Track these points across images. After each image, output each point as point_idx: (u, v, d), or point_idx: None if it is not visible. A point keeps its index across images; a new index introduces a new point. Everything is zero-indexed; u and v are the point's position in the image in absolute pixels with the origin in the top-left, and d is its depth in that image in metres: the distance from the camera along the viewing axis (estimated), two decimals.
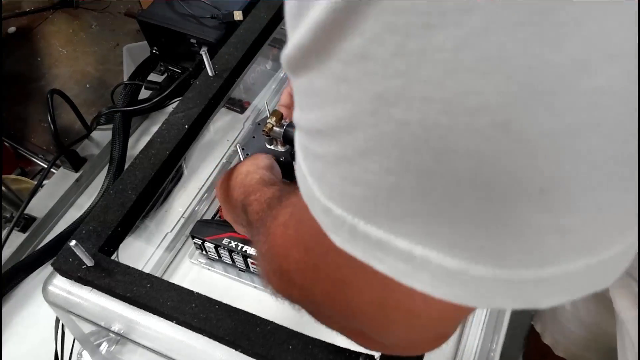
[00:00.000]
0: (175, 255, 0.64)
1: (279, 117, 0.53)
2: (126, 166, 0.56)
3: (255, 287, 0.60)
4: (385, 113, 0.15)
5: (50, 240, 0.65)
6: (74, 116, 0.78)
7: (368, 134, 0.16)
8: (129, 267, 0.43)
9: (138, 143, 0.78)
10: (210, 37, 0.70)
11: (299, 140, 0.20)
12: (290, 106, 0.56)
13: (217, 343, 0.39)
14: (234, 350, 0.39)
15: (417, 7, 0.13)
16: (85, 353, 0.56)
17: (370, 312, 0.21)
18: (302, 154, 0.20)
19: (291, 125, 0.53)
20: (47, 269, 0.62)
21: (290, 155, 0.54)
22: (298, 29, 0.16)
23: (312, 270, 0.22)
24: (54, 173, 0.76)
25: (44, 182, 0.73)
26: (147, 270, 0.61)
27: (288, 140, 0.53)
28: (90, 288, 0.43)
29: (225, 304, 0.40)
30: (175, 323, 0.40)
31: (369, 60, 0.15)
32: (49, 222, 0.71)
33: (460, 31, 0.13)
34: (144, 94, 0.78)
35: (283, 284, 0.26)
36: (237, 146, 0.55)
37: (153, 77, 0.79)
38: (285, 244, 0.24)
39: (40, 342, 0.58)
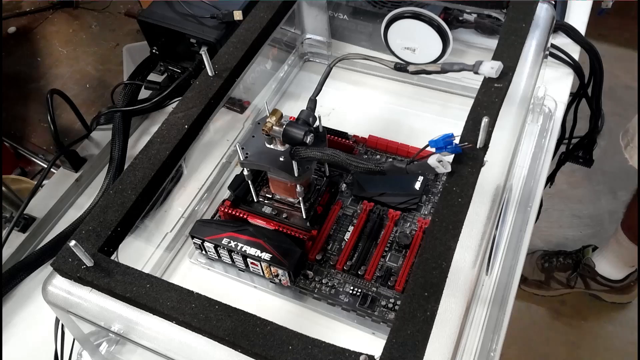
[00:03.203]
0: (175, 255, 0.64)
1: (279, 117, 0.53)
2: (126, 166, 0.56)
3: (255, 287, 0.60)
4: None
5: (50, 240, 0.65)
6: (74, 116, 0.78)
7: None
8: (128, 267, 0.43)
9: (138, 143, 0.78)
10: (210, 37, 0.70)
11: None
12: None
13: (217, 343, 0.39)
14: (233, 350, 0.39)
15: None
16: (85, 353, 0.55)
17: None
18: None
19: (291, 124, 0.53)
20: (47, 269, 0.62)
21: (290, 154, 0.54)
22: None
23: None
24: (54, 173, 0.76)
25: (44, 182, 0.73)
26: (146, 270, 0.61)
27: (287, 139, 0.53)
28: (89, 288, 0.43)
29: (225, 304, 0.40)
30: (175, 323, 0.40)
31: None
32: (48, 222, 0.71)
33: None
34: (144, 94, 0.78)
35: None
36: (237, 146, 0.55)
37: (153, 77, 0.79)
38: None
39: (40, 342, 0.58)
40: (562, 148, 0.91)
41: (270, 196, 0.62)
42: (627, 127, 1.00)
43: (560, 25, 0.76)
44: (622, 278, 1.27)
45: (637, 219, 1.11)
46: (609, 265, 1.26)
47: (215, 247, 0.59)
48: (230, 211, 0.61)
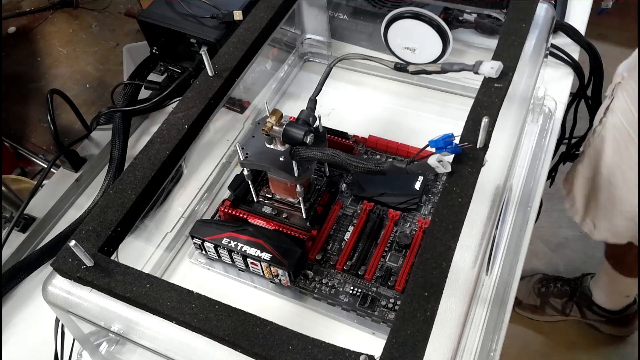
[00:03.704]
0: (175, 255, 0.64)
1: (279, 117, 0.53)
2: (126, 166, 0.56)
3: (255, 287, 0.60)
4: None
5: (50, 240, 0.65)
6: (74, 116, 0.78)
7: None
8: (128, 267, 0.43)
9: (138, 143, 0.78)
10: (210, 37, 0.70)
11: None
12: None
13: (217, 343, 0.39)
14: (233, 350, 0.39)
15: None
16: (85, 353, 0.55)
17: None
18: None
19: (291, 124, 0.53)
20: (47, 269, 0.62)
21: (290, 154, 0.54)
22: None
23: None
24: (53, 173, 0.76)
25: (44, 182, 0.73)
26: (146, 270, 0.61)
27: (287, 139, 0.53)
28: (89, 288, 0.43)
29: (225, 304, 0.40)
30: (175, 323, 0.40)
31: None
32: (48, 222, 0.71)
33: None
34: (144, 93, 0.78)
35: None
36: (237, 146, 0.55)
37: (153, 77, 0.79)
38: None
39: (40, 342, 0.58)
40: (562, 148, 0.91)
41: (270, 196, 0.62)
42: (566, 176, 0.95)
43: (560, 25, 0.76)
44: (619, 309, 1.21)
45: (617, 247, 1.05)
46: (604, 295, 1.21)
47: (215, 247, 0.59)
48: (230, 211, 0.61)
